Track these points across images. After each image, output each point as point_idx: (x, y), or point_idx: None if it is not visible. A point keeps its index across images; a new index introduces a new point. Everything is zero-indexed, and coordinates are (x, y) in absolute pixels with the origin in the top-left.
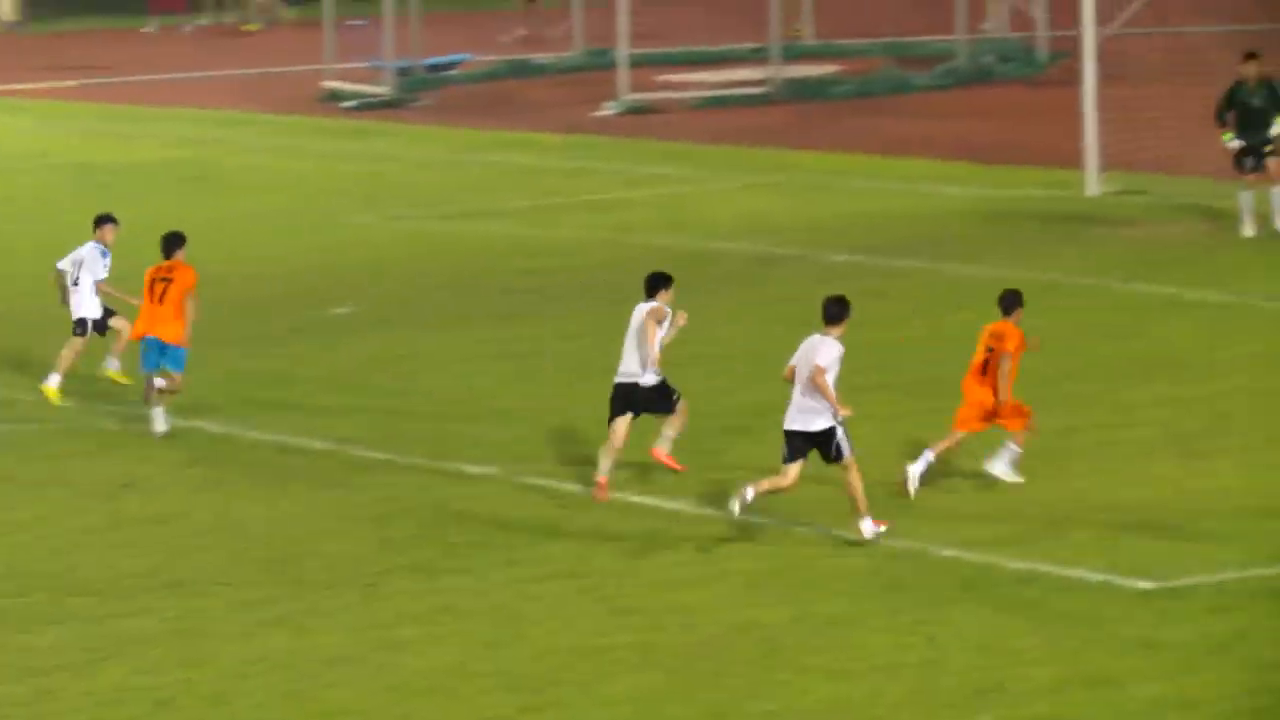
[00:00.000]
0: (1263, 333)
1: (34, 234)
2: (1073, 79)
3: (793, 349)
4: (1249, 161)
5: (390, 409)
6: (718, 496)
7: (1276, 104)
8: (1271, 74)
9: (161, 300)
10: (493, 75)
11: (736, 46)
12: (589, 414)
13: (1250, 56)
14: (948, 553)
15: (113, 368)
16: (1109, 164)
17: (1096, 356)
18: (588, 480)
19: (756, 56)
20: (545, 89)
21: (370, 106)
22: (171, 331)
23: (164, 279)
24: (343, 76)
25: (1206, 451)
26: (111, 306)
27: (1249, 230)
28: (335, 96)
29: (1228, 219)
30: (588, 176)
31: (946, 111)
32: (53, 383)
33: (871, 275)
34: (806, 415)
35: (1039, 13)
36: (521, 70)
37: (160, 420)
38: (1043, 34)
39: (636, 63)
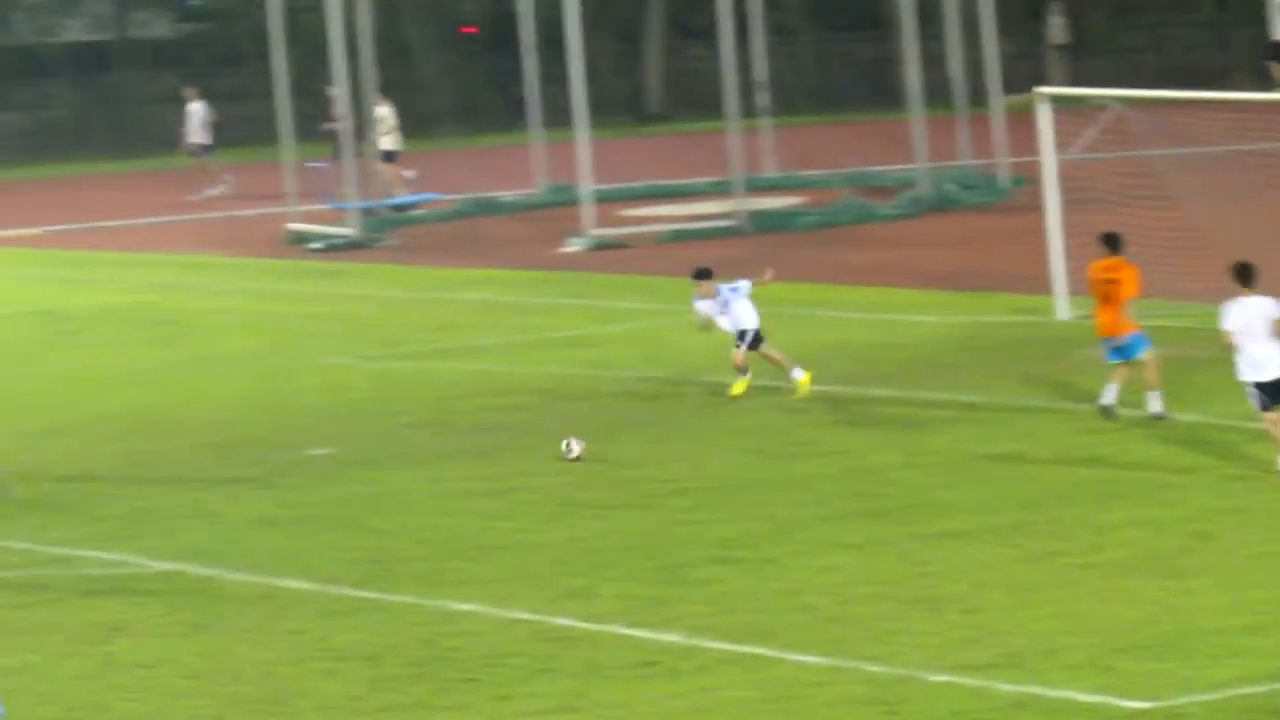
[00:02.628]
0: (1234, 452)
1: None
2: (1036, 205)
3: (770, 485)
4: None
5: (374, 548)
6: (708, 628)
7: None
8: None
9: (1108, 300)
10: (457, 214)
11: (698, 180)
12: (575, 548)
13: None
14: (939, 678)
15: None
16: (1076, 289)
17: (1075, 480)
18: (579, 614)
19: (719, 190)
20: (510, 226)
21: (336, 248)
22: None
23: (1109, 279)
24: (306, 218)
25: (1187, 570)
26: None
27: None
28: (300, 238)
29: (1196, 339)
30: (558, 313)
31: (911, 240)
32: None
33: (846, 404)
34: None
35: (999, 139)
36: (485, 208)
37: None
38: (1003, 160)
39: (600, 198)
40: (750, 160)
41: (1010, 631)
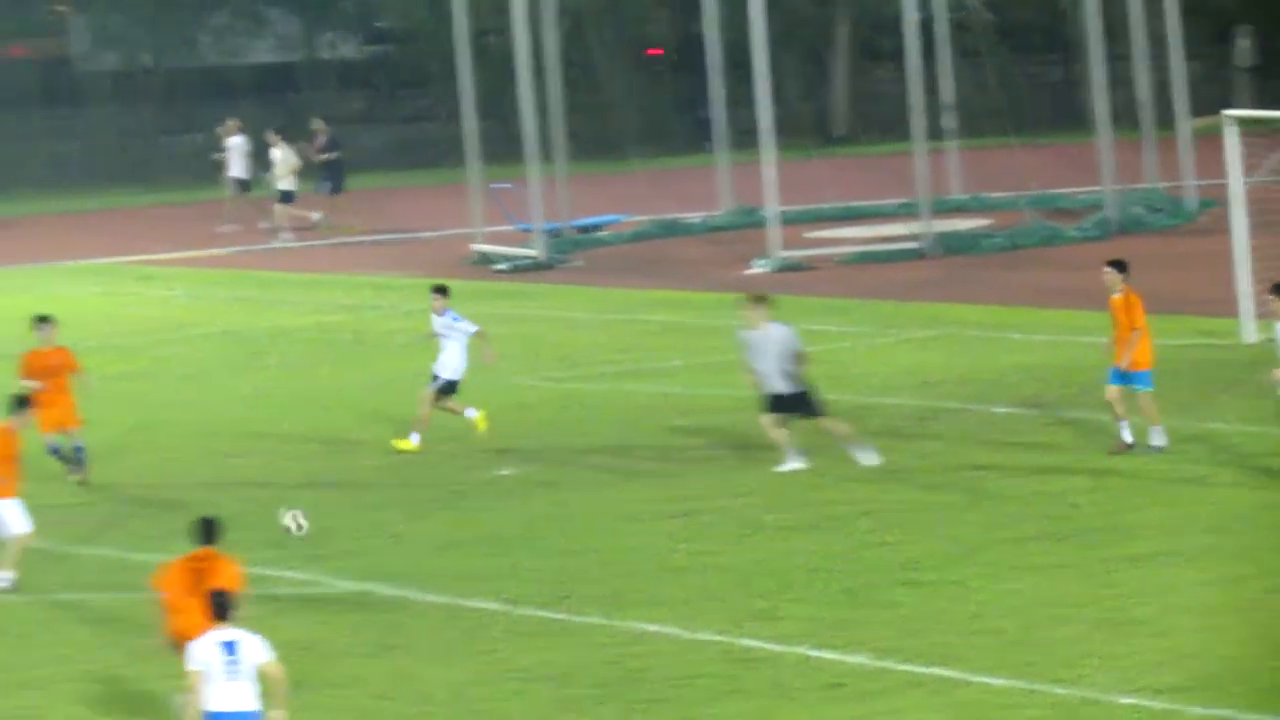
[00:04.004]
0: None
1: (184, 405)
2: (1222, 227)
3: (955, 507)
4: None
5: (560, 568)
6: (895, 650)
7: None
8: None
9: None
10: (642, 235)
11: (884, 202)
12: (760, 569)
13: None
14: (1127, 701)
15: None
16: (1261, 312)
17: (1262, 502)
18: (764, 634)
19: (904, 211)
20: (695, 248)
21: (521, 269)
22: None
23: None
24: (492, 239)
25: None
26: None
27: None
28: (485, 259)
29: None
30: None
31: (1097, 262)
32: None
33: (1034, 427)
34: None
35: (1185, 162)
36: (671, 230)
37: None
38: (1190, 182)
39: (786, 220)
40: (936, 182)
41: (1199, 655)
